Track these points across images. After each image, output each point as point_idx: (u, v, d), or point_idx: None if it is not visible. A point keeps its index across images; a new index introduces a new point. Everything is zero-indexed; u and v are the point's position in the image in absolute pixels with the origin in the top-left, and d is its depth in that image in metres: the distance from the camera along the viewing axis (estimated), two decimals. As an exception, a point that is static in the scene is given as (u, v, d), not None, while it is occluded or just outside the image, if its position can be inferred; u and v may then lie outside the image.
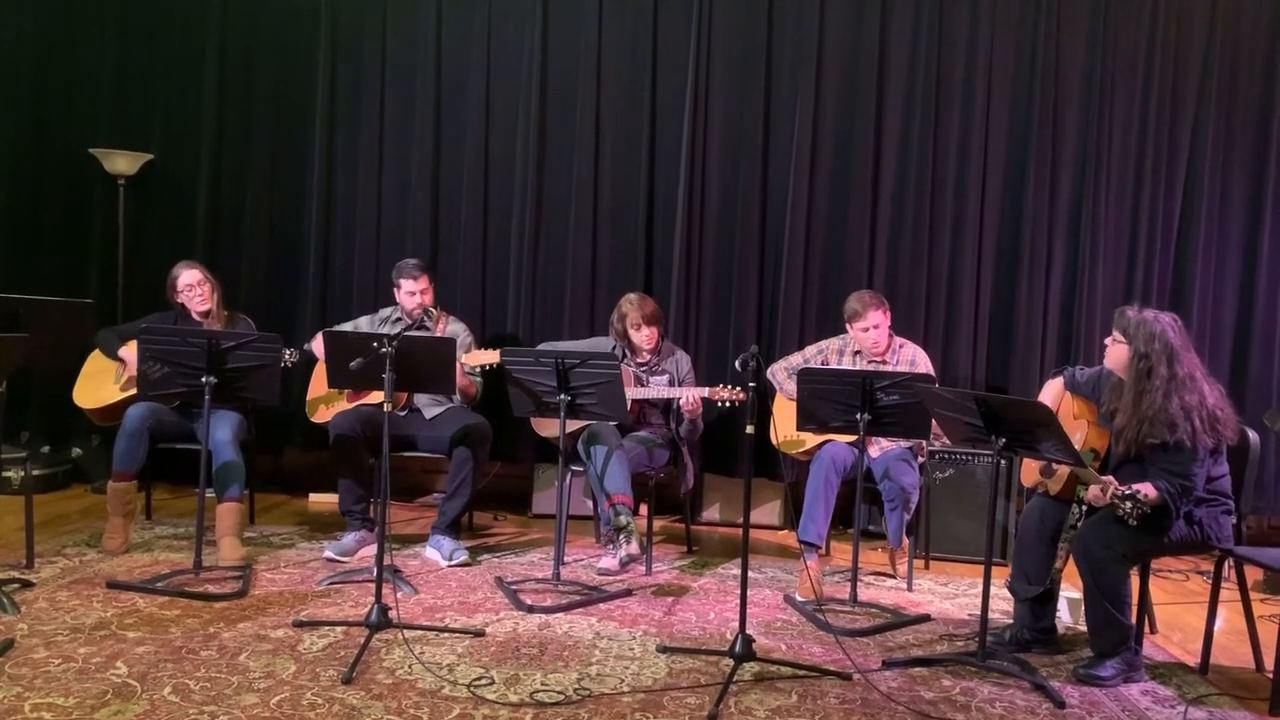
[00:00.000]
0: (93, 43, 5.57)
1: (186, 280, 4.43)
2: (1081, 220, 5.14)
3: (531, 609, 3.65)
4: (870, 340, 4.27)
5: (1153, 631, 3.75)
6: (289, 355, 4.16)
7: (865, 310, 4.25)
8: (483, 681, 2.96)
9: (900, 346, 4.39)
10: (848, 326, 4.34)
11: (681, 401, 4.36)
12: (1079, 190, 5.16)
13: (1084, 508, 3.29)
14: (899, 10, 5.18)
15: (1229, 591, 3.50)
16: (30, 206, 5.59)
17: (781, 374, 4.47)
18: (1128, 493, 2.96)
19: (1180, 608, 4.16)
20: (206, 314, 4.43)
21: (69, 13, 5.57)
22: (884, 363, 4.33)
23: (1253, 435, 3.42)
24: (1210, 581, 3.47)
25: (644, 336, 4.47)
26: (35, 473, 4.67)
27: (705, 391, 4.26)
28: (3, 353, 3.13)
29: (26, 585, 3.62)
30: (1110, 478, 3.10)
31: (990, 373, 5.23)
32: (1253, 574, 3.57)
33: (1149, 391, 3.15)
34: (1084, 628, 3.37)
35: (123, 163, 5.30)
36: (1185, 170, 5.15)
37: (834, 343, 4.50)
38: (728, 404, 4.24)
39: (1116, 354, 3.30)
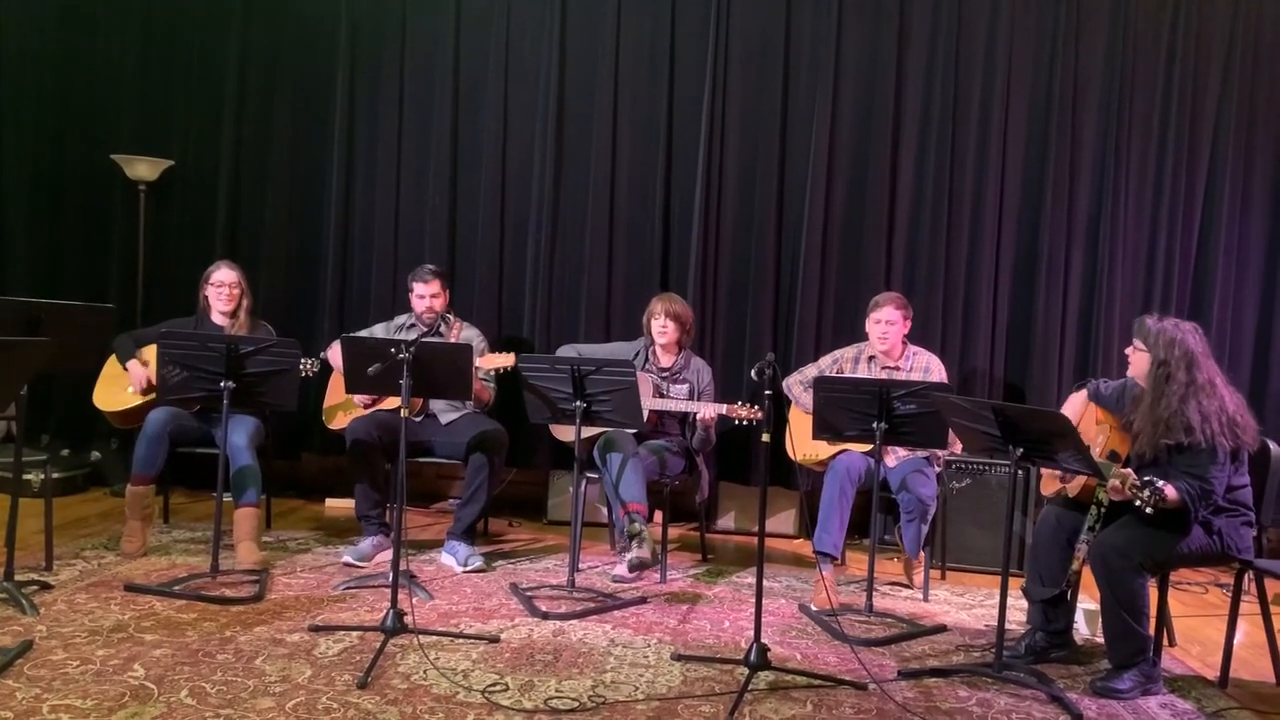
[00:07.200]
0: (114, 49, 5.62)
1: (220, 278, 4.45)
2: (1100, 230, 5.10)
3: (546, 615, 3.65)
4: (879, 332, 4.29)
5: (1171, 644, 3.72)
6: (309, 365, 4.18)
7: (883, 303, 4.32)
8: (497, 687, 2.97)
9: (914, 354, 4.38)
10: (866, 320, 4.36)
11: (698, 415, 4.36)
12: (1097, 199, 5.13)
13: (1102, 510, 3.27)
14: (917, 19, 5.16)
15: (1249, 604, 3.47)
16: (52, 211, 5.64)
17: (797, 388, 4.45)
18: (1145, 480, 2.98)
19: (1199, 620, 4.12)
20: (228, 316, 4.45)
21: (91, 19, 5.62)
22: (897, 369, 4.33)
23: (1274, 446, 3.40)
24: (1230, 594, 3.44)
25: (659, 327, 4.49)
26: (55, 476, 4.69)
27: (723, 408, 4.27)
28: (24, 357, 3.14)
29: (45, 587, 3.65)
30: (1129, 469, 3.10)
31: (1008, 382, 5.20)
32: (1273, 587, 3.54)
33: (1166, 396, 3.18)
34: (1101, 640, 3.34)
35: (144, 168, 5.34)
36: (1205, 179, 5.11)
37: (849, 351, 4.49)
38: (746, 422, 4.25)
39: (1138, 362, 3.33)
